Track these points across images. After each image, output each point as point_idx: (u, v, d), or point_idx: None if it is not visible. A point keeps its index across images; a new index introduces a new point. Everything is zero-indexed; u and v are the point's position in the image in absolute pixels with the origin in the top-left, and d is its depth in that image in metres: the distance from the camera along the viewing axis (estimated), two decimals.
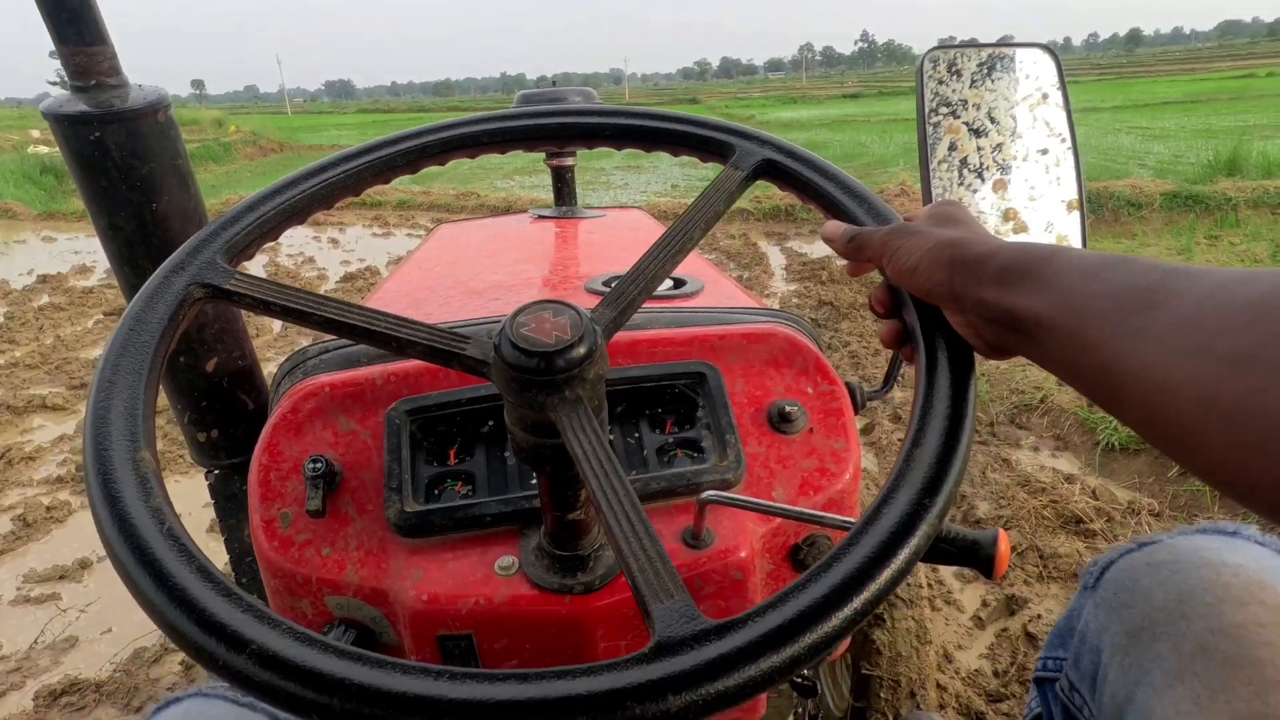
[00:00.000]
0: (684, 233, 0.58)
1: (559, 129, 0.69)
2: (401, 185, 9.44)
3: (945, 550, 0.52)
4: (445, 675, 0.34)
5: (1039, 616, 1.86)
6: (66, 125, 0.84)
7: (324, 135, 22.48)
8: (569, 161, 1.63)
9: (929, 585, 2.01)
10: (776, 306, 4.52)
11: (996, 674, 1.74)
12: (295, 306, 0.53)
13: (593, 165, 11.64)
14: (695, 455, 0.72)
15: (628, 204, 7.65)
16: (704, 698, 0.33)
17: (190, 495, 2.52)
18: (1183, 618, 0.50)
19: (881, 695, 1.32)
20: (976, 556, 0.52)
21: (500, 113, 0.70)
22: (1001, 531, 0.53)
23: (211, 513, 1.33)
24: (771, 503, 0.67)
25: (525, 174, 11.26)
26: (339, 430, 0.71)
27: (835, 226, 0.59)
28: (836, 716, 1.40)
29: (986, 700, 1.66)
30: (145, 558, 0.39)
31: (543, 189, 9.61)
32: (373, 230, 7.45)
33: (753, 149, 0.64)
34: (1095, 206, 6.25)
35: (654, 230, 1.59)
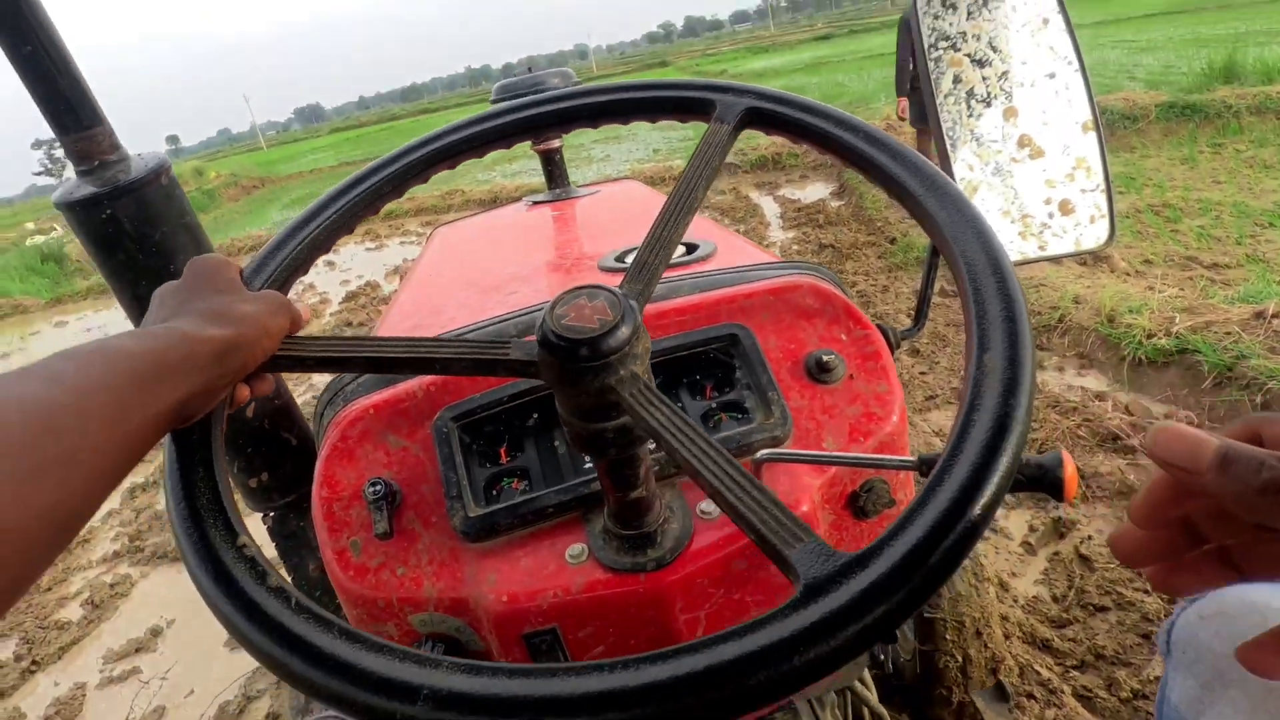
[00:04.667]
0: (687, 194, 0.58)
1: (534, 121, 0.68)
2: None
3: (1018, 479, 0.52)
4: (619, 666, 0.35)
5: (1089, 538, 1.88)
6: (80, 210, 0.86)
7: (301, 163, 22.47)
8: (556, 144, 1.62)
9: None
10: (778, 257, 4.48)
11: (1056, 599, 1.75)
12: (334, 355, 0.53)
13: (571, 143, 11.59)
14: (740, 417, 0.72)
15: (614, 176, 7.62)
16: (868, 626, 0.34)
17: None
18: None
19: (947, 637, 1.33)
20: (1045, 480, 0.52)
21: (473, 118, 0.69)
22: (1065, 453, 0.53)
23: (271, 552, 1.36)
24: (827, 453, 0.68)
25: (506, 162, 11.22)
26: (390, 449, 0.72)
27: (1183, 437, 0.39)
28: (905, 658, 1.42)
29: (1051, 627, 1.68)
30: (289, 639, 0.39)
31: (525, 174, 9.56)
32: (365, 245, 7.47)
33: (733, 100, 0.64)
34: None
35: (650, 198, 1.59)
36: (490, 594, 0.62)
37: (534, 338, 0.48)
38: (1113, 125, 6.16)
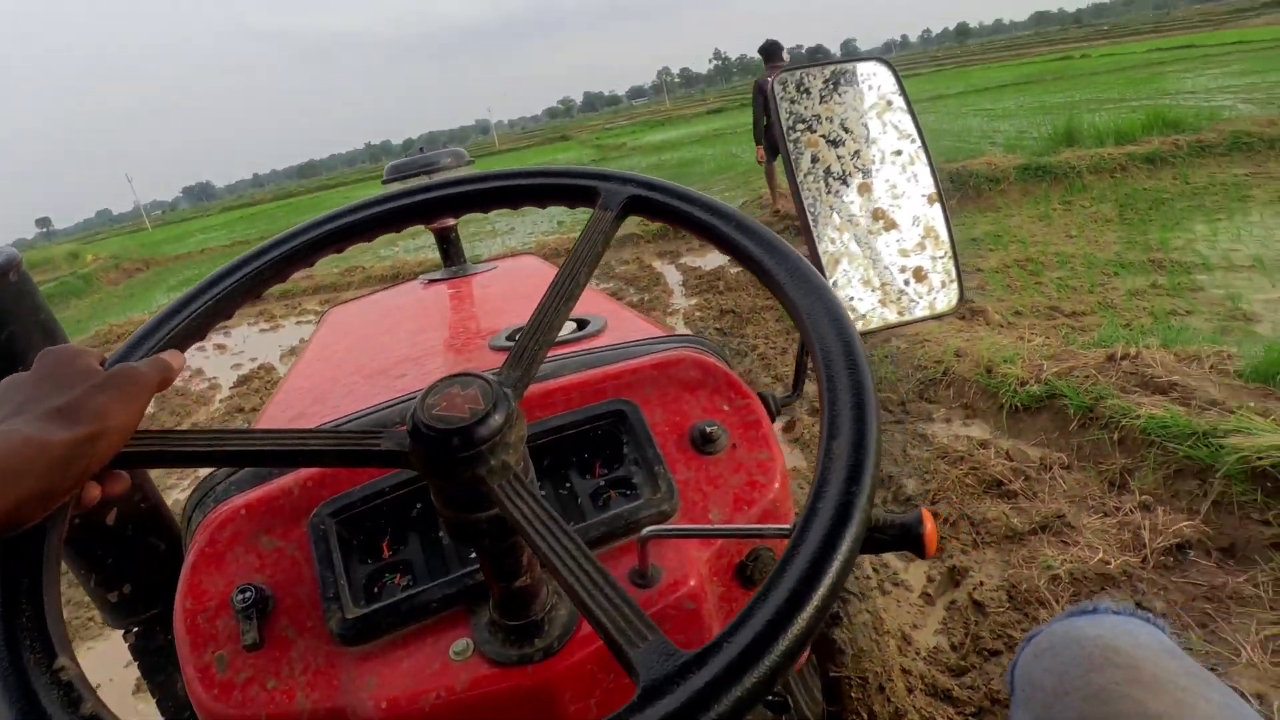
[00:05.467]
0: (570, 278, 0.59)
1: (427, 206, 0.69)
2: None
3: (879, 539, 0.54)
4: None
5: (981, 583, 1.94)
6: None
7: (189, 243, 21.52)
8: (450, 222, 1.61)
9: (875, 571, 2.07)
10: (682, 322, 4.67)
11: (954, 648, 1.80)
12: (193, 450, 0.50)
13: (475, 216, 11.61)
14: (628, 493, 0.72)
15: (518, 249, 7.64)
16: None
17: (109, 657, 2.33)
18: (1064, 694, 0.57)
19: (852, 695, 1.34)
20: (908, 538, 0.54)
21: (364, 201, 0.69)
22: (925, 510, 0.55)
23: (136, 671, 1.24)
24: (710, 526, 0.68)
25: (407, 238, 11.12)
26: (263, 551, 0.68)
27: None
28: None
29: (951, 676, 1.71)
30: None
31: (428, 250, 9.45)
32: (259, 326, 7.18)
33: (616, 188, 0.66)
34: (959, 185, 6.67)
35: (547, 273, 1.59)
36: (369, 700, 0.58)
37: (406, 427, 0.47)
38: (979, 187, 6.69)
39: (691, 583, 0.65)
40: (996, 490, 2.31)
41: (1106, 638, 0.58)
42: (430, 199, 0.69)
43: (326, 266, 9.29)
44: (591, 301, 1.26)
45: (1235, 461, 1.96)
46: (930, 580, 2.03)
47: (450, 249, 1.64)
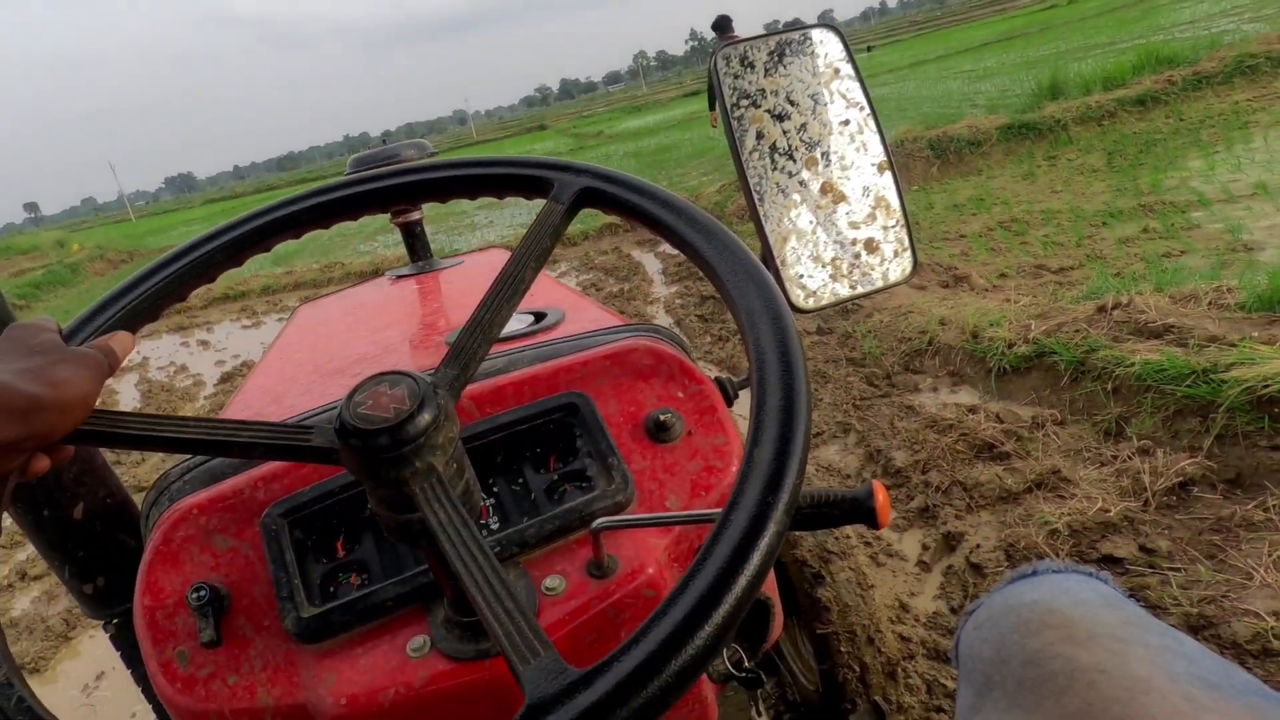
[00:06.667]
0: (516, 275, 0.58)
1: (377, 195, 0.69)
2: (261, 268, 9.07)
3: (830, 514, 0.55)
4: None
5: (978, 546, 1.94)
6: None
7: (173, 235, 21.25)
8: (415, 216, 1.60)
9: (866, 543, 2.07)
10: (663, 311, 4.64)
11: (954, 610, 1.79)
12: (130, 432, 0.51)
13: (455, 210, 11.57)
14: (584, 486, 0.72)
15: (495, 241, 7.63)
16: None
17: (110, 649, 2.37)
18: (1003, 663, 0.57)
19: (842, 649, 1.35)
20: (859, 511, 0.54)
21: (312, 191, 0.69)
22: (876, 483, 0.56)
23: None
24: (660, 514, 0.68)
25: (387, 233, 11.10)
26: (218, 551, 0.69)
27: None
28: (809, 689, 1.42)
29: (951, 638, 1.71)
30: None
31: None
32: (241, 323, 7.07)
33: (570, 180, 0.65)
34: (939, 151, 6.62)
35: None
36: (329, 697, 0.59)
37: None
38: (961, 153, 6.64)
39: (650, 570, 0.65)
40: (988, 454, 2.30)
41: (1044, 600, 0.58)
42: (384, 187, 0.69)
43: (305, 262, 9.26)
44: (551, 293, 1.26)
45: (1239, 394, 1.94)
46: (925, 548, 2.02)
47: (416, 243, 1.63)
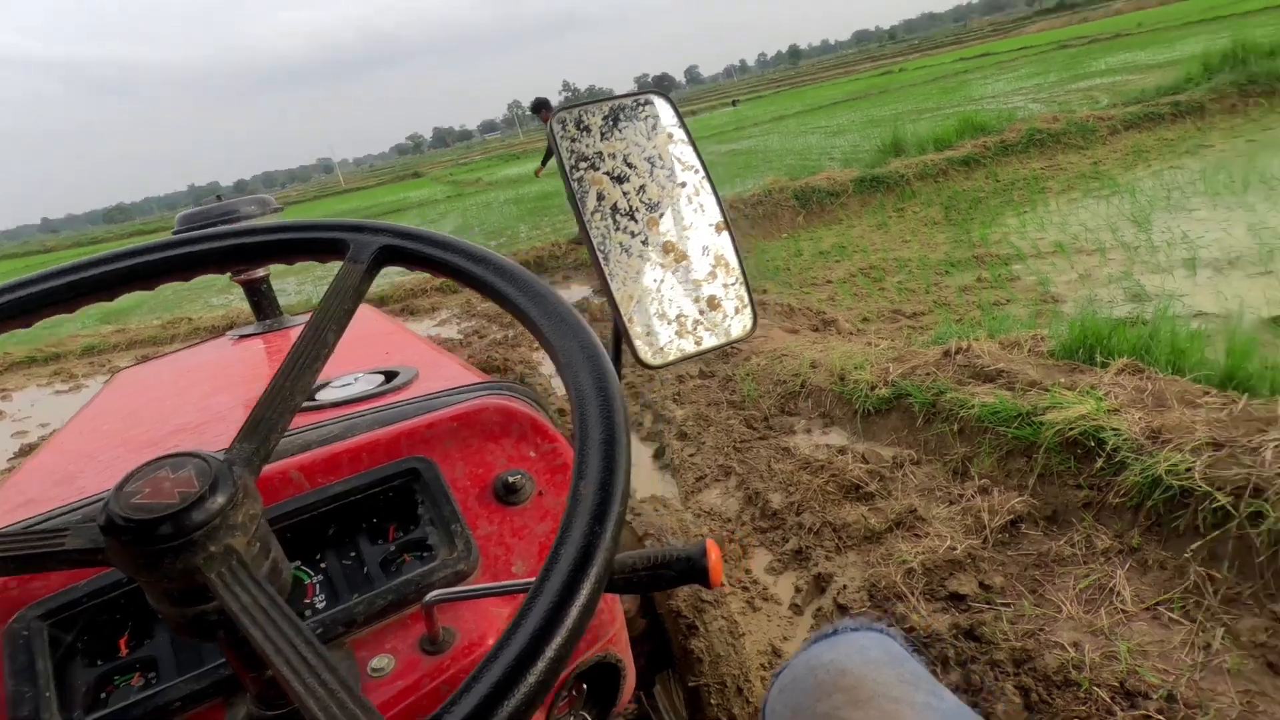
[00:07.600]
0: (316, 339, 0.54)
1: (148, 268, 0.62)
2: (84, 326, 8.22)
3: (664, 576, 0.54)
4: None
5: (845, 586, 1.99)
6: None
7: None
8: (260, 273, 1.51)
9: (743, 588, 2.08)
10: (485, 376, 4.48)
11: None
12: None
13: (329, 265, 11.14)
14: (424, 555, 0.69)
15: (383, 289, 7.37)
16: None
17: None
18: None
19: (712, 701, 1.33)
20: (693, 571, 0.53)
21: (63, 266, 0.62)
22: (709, 541, 0.55)
23: None
24: (490, 584, 0.64)
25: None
26: None
27: None
28: None
29: None
30: None
31: (282, 294, 8.94)
32: (54, 388, 6.36)
33: (367, 239, 0.62)
34: (804, 201, 7.01)
35: (376, 321, 1.51)
36: None
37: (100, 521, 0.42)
38: (822, 202, 7.05)
39: (489, 642, 0.62)
40: (855, 494, 2.39)
41: (839, 661, 0.60)
42: (156, 259, 0.62)
43: (143, 319, 8.46)
44: (408, 350, 1.21)
45: (1052, 435, 2.11)
46: (798, 590, 2.06)
47: (263, 300, 1.54)
